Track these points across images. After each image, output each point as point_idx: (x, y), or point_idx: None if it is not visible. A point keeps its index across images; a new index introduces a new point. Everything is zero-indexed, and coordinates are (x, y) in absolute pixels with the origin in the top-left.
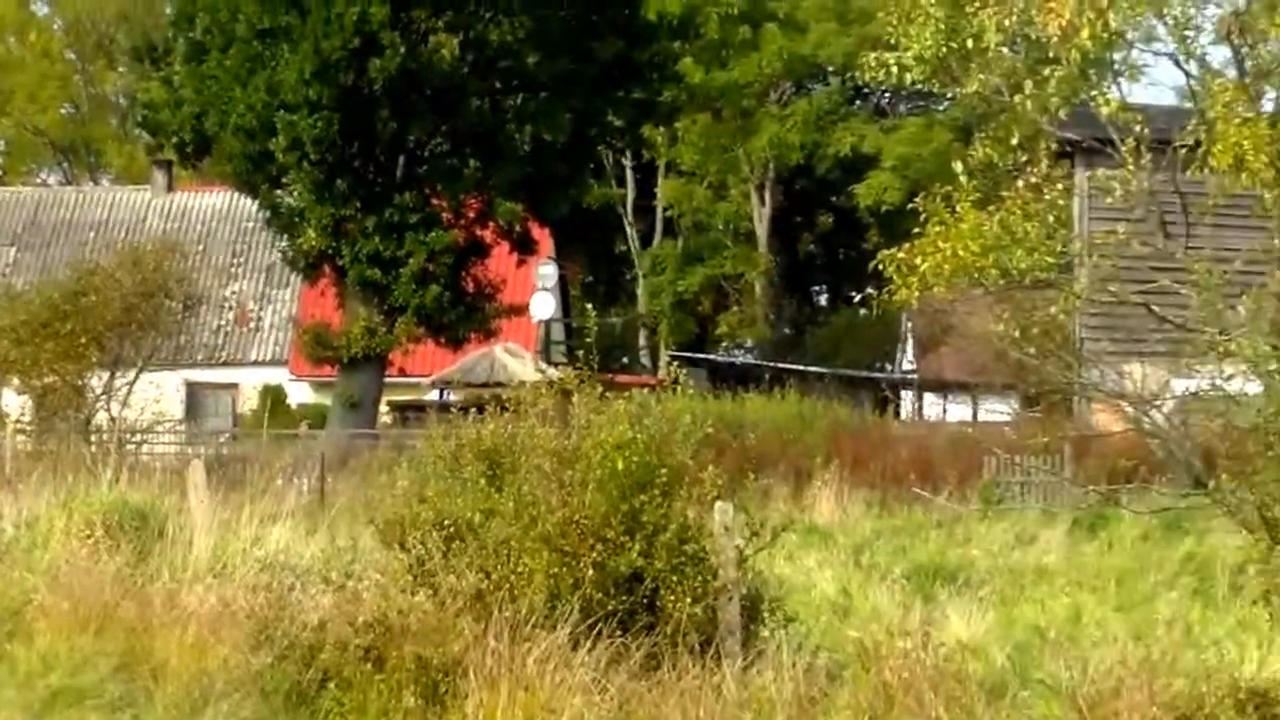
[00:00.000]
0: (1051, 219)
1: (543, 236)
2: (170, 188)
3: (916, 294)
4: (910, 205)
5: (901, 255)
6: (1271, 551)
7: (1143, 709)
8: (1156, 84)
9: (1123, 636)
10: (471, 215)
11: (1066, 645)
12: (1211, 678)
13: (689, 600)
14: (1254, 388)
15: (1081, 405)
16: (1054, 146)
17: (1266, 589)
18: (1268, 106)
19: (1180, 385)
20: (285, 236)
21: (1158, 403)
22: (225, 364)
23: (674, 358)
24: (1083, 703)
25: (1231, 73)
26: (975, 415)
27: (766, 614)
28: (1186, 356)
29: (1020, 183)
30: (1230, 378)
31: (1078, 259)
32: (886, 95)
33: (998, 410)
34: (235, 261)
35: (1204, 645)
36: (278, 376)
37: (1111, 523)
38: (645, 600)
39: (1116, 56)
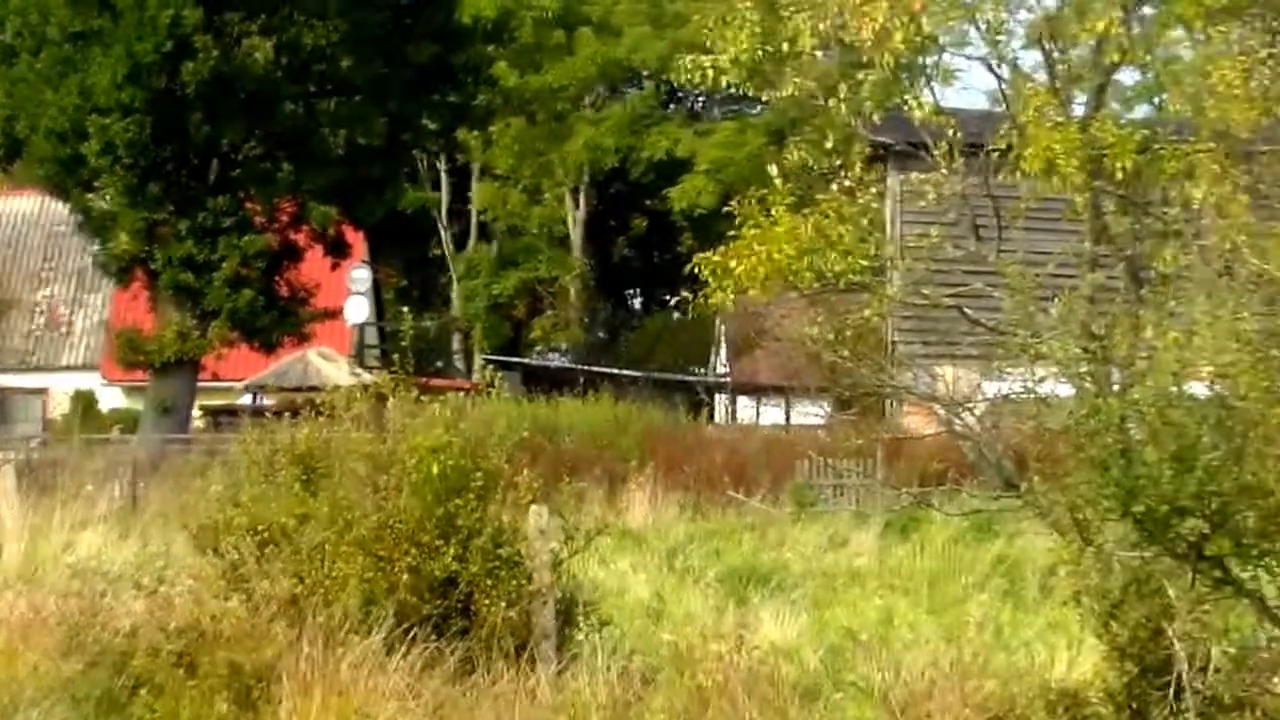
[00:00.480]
0: (865, 222)
1: (357, 240)
2: None
3: (731, 297)
4: (724, 209)
5: (716, 258)
6: (1082, 553)
7: (954, 710)
8: (969, 88)
9: (934, 638)
10: (285, 219)
11: (879, 647)
12: (1022, 679)
13: (504, 604)
14: (1065, 390)
15: (894, 408)
16: (868, 150)
17: (1077, 590)
18: (1079, 111)
19: (992, 388)
20: (97, 241)
21: (969, 405)
22: (36, 369)
23: (488, 361)
24: (895, 704)
25: (1043, 77)
26: (789, 418)
27: (581, 618)
28: (998, 359)
29: (834, 186)
30: (1041, 380)
31: (891, 262)
32: (701, 99)
33: (811, 413)
34: (46, 266)
35: (1015, 647)
36: (89, 381)
37: (923, 525)
38: (460, 604)
39: (929, 61)
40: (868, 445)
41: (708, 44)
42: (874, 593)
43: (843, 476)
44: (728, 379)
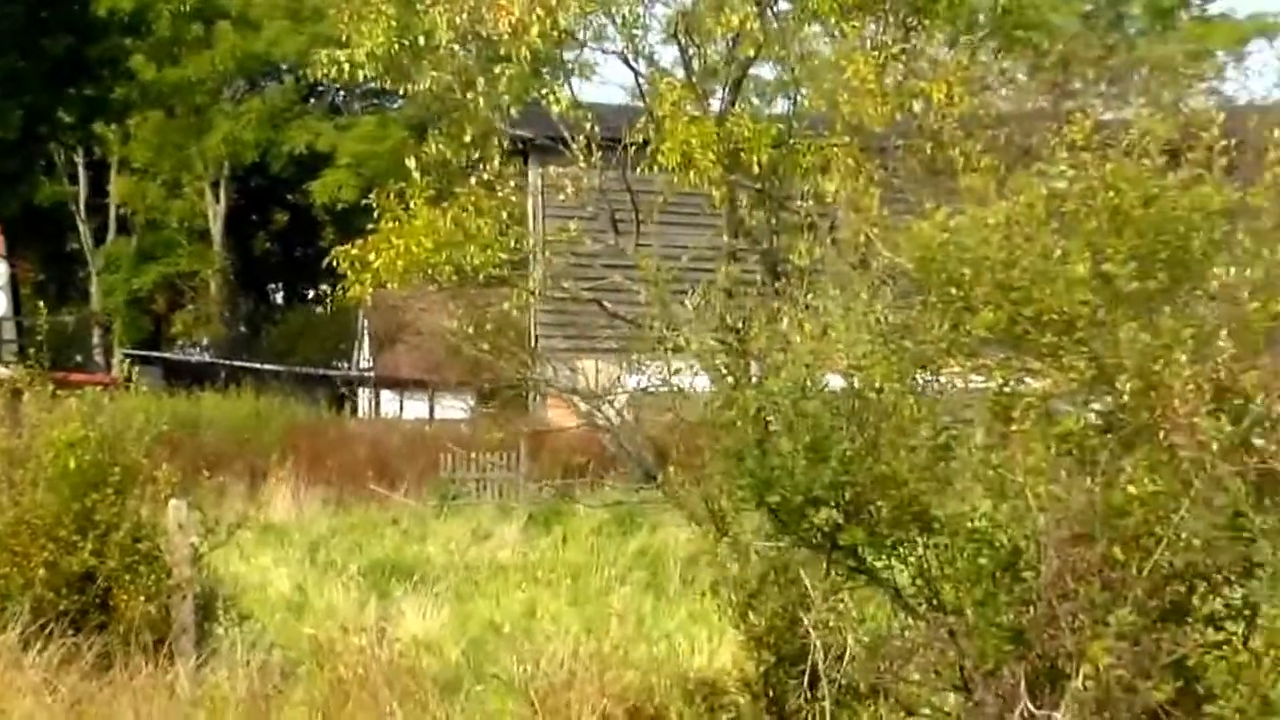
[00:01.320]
0: (504, 216)
1: None
2: None
3: (370, 290)
4: (365, 202)
5: (355, 251)
6: (718, 544)
7: (593, 700)
8: (610, 83)
9: (576, 630)
10: None
11: (521, 640)
12: (662, 669)
13: (142, 599)
14: (703, 382)
15: (537, 401)
16: (507, 144)
17: (714, 581)
18: (715, 105)
19: (634, 381)
20: None
21: (609, 398)
22: None
23: (128, 356)
24: (535, 696)
25: (681, 72)
26: (433, 412)
27: (221, 612)
28: (637, 352)
29: (473, 179)
30: (678, 372)
31: (533, 255)
32: (341, 93)
33: (455, 407)
34: None
35: (656, 638)
36: None
37: (566, 518)
38: (98, 599)
39: (570, 55)
40: (510, 438)
41: (343, 38)
42: (517, 585)
43: (486, 470)
44: (371, 373)
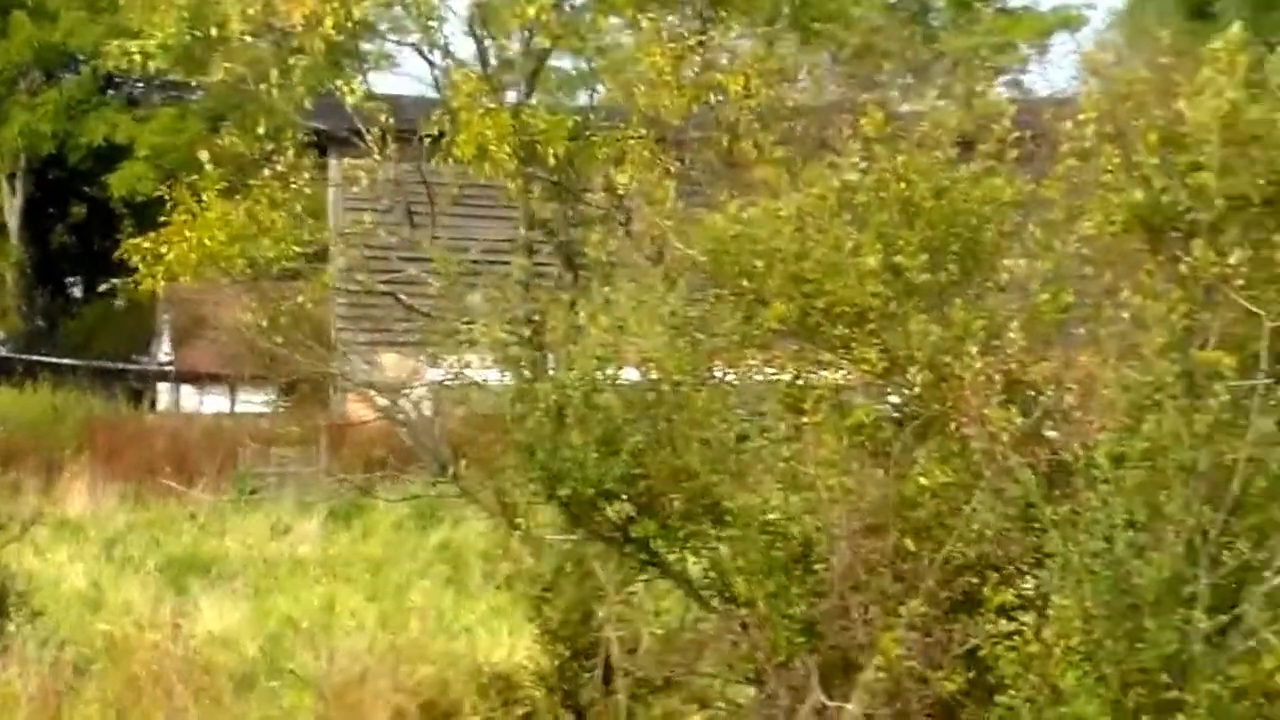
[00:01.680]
0: (300, 208)
1: None
2: None
3: (163, 283)
4: (162, 195)
5: (147, 244)
6: (510, 538)
7: (387, 696)
8: (407, 75)
9: (373, 625)
10: None
11: (319, 635)
12: (458, 664)
13: None
14: (502, 375)
15: (338, 395)
16: (303, 136)
17: (509, 575)
18: (512, 97)
19: (437, 374)
20: None
21: (405, 391)
22: None
23: None
24: (329, 691)
25: (478, 65)
26: (233, 406)
27: (13, 609)
28: (433, 345)
29: (267, 172)
30: (468, 365)
31: (332, 248)
32: (139, 84)
33: (256, 401)
34: None
35: (456, 632)
36: None
37: (367, 512)
38: None
39: (369, 46)
40: (311, 432)
41: (137, 28)
42: (316, 581)
43: (286, 464)
44: (171, 367)
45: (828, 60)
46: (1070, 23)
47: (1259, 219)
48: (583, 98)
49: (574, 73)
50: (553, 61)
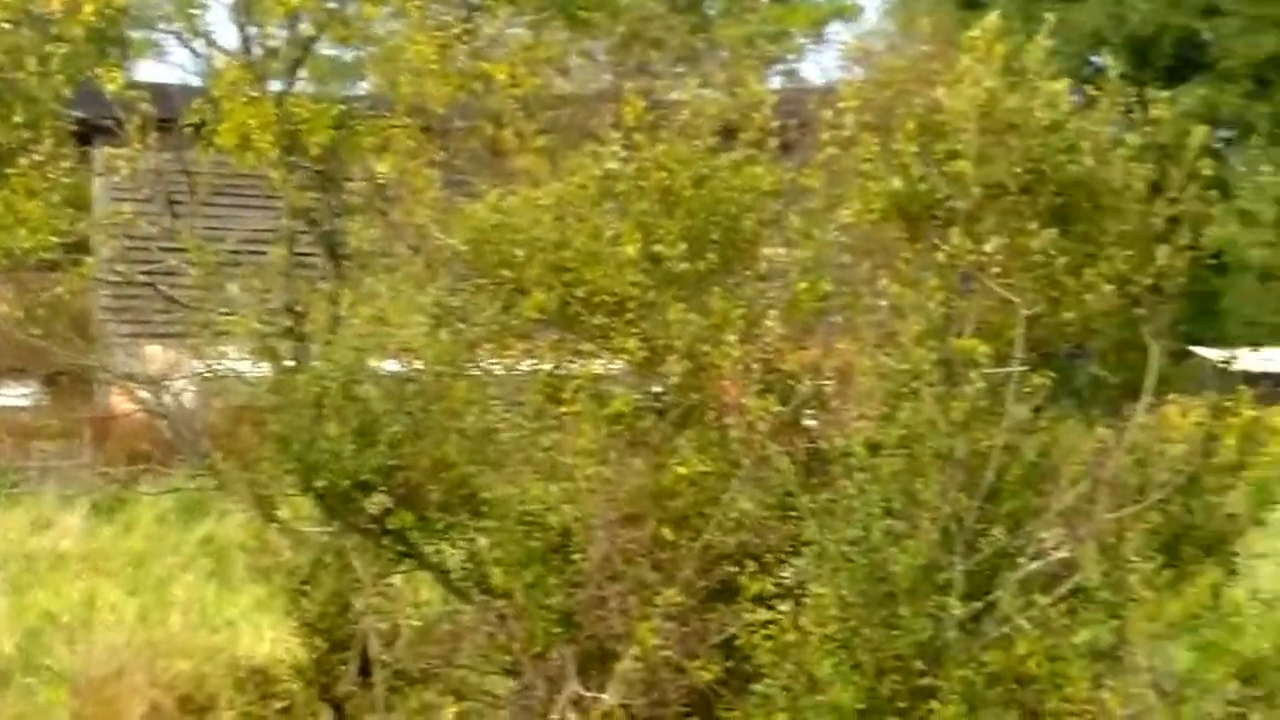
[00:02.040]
0: (58, 198)
1: None
2: None
3: None
4: None
5: None
6: (267, 529)
7: (143, 691)
8: (176, 64)
9: (134, 620)
10: None
11: (79, 631)
12: (216, 658)
13: None
14: (264, 366)
15: (101, 388)
16: (63, 125)
17: (266, 567)
18: (275, 86)
19: (195, 366)
20: None
21: (166, 383)
22: None
23: None
24: (85, 687)
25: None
26: None
27: None
28: (192, 336)
29: (24, 161)
30: (225, 356)
31: (94, 238)
32: None
33: (18, 394)
34: None
35: (219, 626)
36: None
37: (131, 506)
38: None
39: (136, 34)
40: (74, 426)
41: None
42: (77, 575)
43: (48, 458)
44: None
45: (596, 49)
46: (845, 12)
47: (1015, 207)
48: (361, 87)
49: (348, 60)
50: (326, 50)
